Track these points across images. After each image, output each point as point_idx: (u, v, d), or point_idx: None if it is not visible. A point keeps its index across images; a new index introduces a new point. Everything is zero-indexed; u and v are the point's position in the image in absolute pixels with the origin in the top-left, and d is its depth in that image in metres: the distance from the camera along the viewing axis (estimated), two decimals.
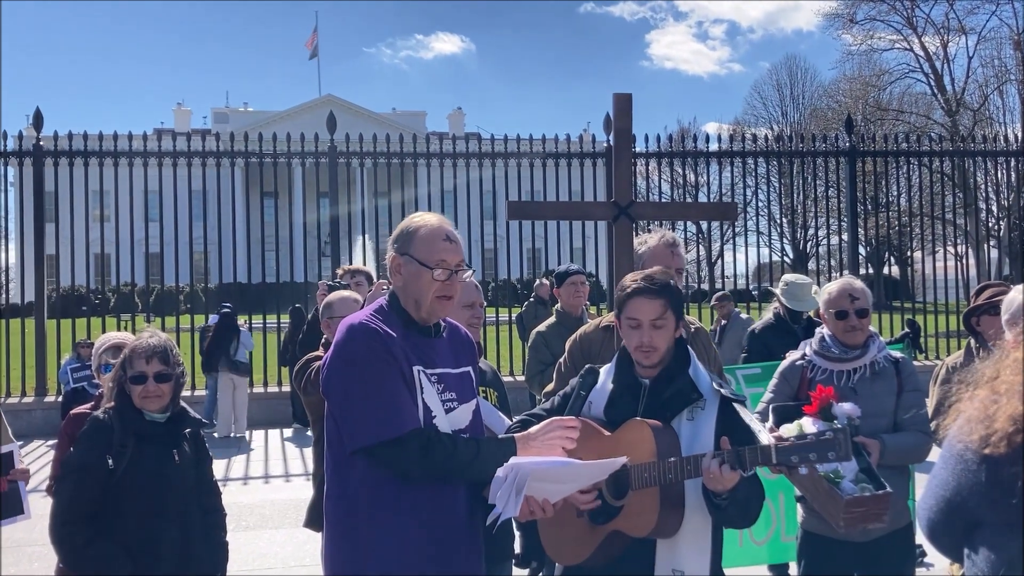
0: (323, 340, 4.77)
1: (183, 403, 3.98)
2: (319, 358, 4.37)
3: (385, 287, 4.28)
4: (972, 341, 4.87)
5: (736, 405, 3.15)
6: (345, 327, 3.00)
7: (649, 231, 4.86)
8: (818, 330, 4.43)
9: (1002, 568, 1.80)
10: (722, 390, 3.17)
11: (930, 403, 4.70)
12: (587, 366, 3.26)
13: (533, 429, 3.02)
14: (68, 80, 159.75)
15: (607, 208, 4.82)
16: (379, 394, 2.86)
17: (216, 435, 13.85)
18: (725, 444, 2.86)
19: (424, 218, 3.14)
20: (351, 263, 17.49)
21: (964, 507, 1.88)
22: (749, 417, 3.26)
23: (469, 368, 3.19)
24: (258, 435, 14.07)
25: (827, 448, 2.75)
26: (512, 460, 2.85)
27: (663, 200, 28.88)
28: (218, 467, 11.58)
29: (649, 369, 3.19)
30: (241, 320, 15.26)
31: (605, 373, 3.33)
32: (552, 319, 6.67)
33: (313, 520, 4.54)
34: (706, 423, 3.09)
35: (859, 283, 4.37)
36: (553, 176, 15.61)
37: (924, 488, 2.02)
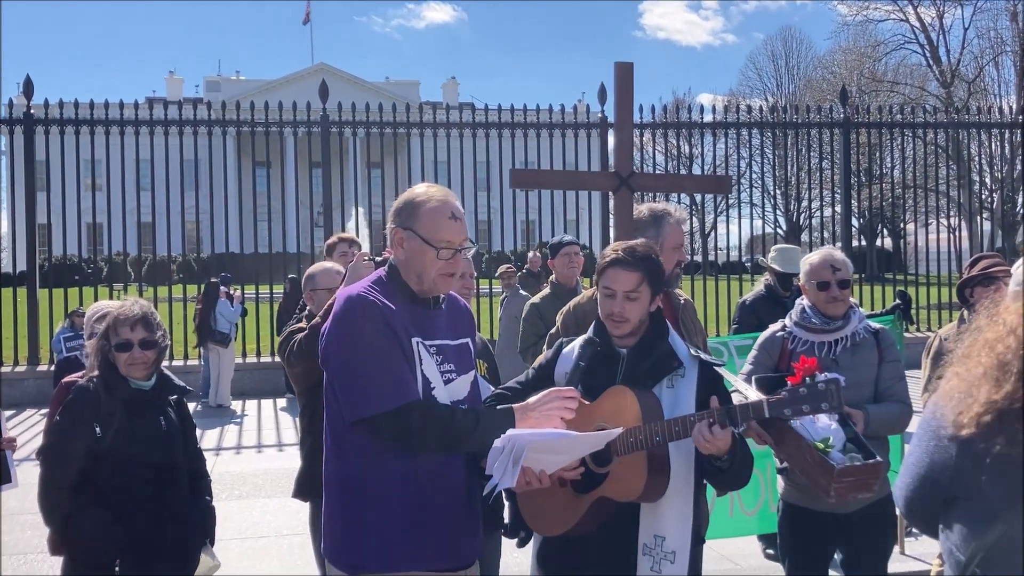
0: (305, 311, 4.74)
1: (166, 371, 3.98)
2: (302, 330, 4.36)
3: (366, 258, 4.26)
4: (965, 312, 4.88)
5: (719, 369, 3.19)
6: (343, 298, 2.99)
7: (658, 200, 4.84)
8: (798, 301, 4.42)
9: (974, 542, 1.82)
10: (700, 355, 3.19)
11: (922, 375, 4.72)
12: (587, 336, 3.25)
13: (531, 400, 3.02)
14: (59, 48, 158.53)
15: (608, 178, 4.81)
16: (378, 366, 2.86)
17: (211, 405, 13.91)
18: (714, 403, 2.88)
19: (429, 192, 3.07)
20: (344, 231, 17.46)
21: (938, 484, 1.90)
22: (734, 379, 3.28)
23: (468, 339, 3.19)
24: (251, 405, 14.10)
25: (820, 399, 2.75)
26: (509, 431, 2.86)
27: (657, 171, 28.85)
28: (211, 436, 11.63)
29: (626, 339, 3.21)
30: (234, 290, 15.25)
31: (581, 344, 3.34)
32: (546, 290, 6.66)
33: (301, 491, 4.54)
34: (687, 389, 3.12)
35: (840, 254, 4.37)
36: (547, 147, 15.56)
37: (901, 467, 2.03)
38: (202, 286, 14.68)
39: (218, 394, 14.05)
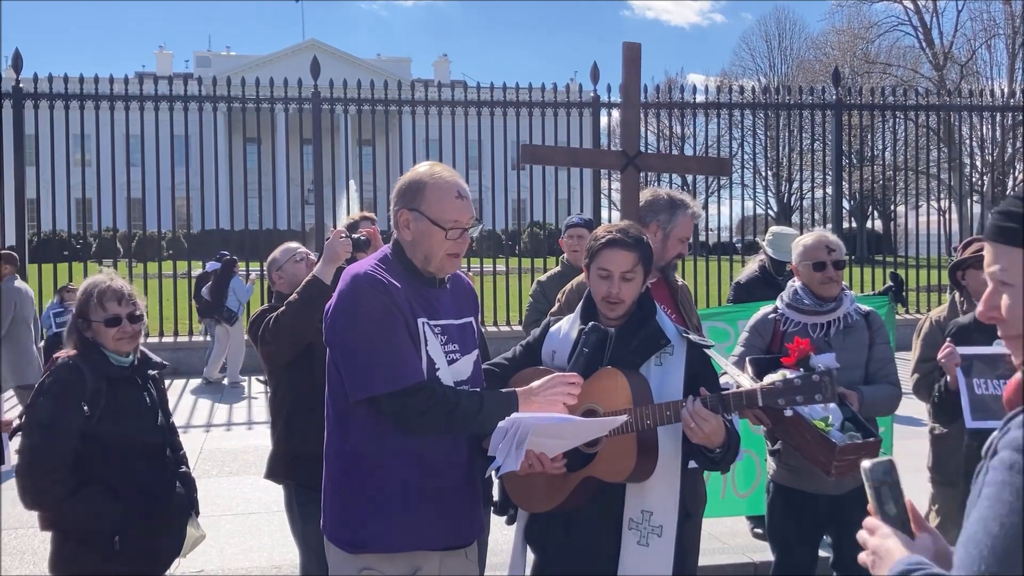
0: (276, 293, 4.69)
1: (142, 347, 3.96)
2: (274, 309, 4.31)
3: (343, 235, 4.23)
4: (957, 295, 4.89)
5: (710, 352, 3.20)
6: (349, 277, 2.97)
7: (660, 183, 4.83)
8: (790, 283, 4.43)
9: None
10: (689, 335, 3.20)
11: (912, 356, 4.74)
12: (592, 323, 3.24)
13: (535, 384, 3.01)
14: (48, 22, 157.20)
15: (616, 157, 4.82)
16: (383, 345, 2.85)
17: (226, 382, 13.93)
18: (704, 392, 2.88)
19: (434, 171, 3.04)
20: (335, 211, 17.39)
21: None
22: (725, 362, 3.29)
23: (471, 319, 3.19)
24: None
25: (814, 390, 2.76)
26: (514, 414, 2.85)
27: (649, 151, 28.73)
28: (201, 413, 11.63)
29: (614, 319, 3.22)
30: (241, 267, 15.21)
31: (569, 323, 3.35)
32: (556, 269, 6.68)
33: (274, 472, 4.52)
34: (675, 368, 3.14)
35: (833, 236, 4.40)
36: (540, 125, 15.50)
37: (965, 539, 1.49)
38: (207, 263, 14.62)
39: (227, 372, 14.03)
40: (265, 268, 4.85)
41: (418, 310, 2.93)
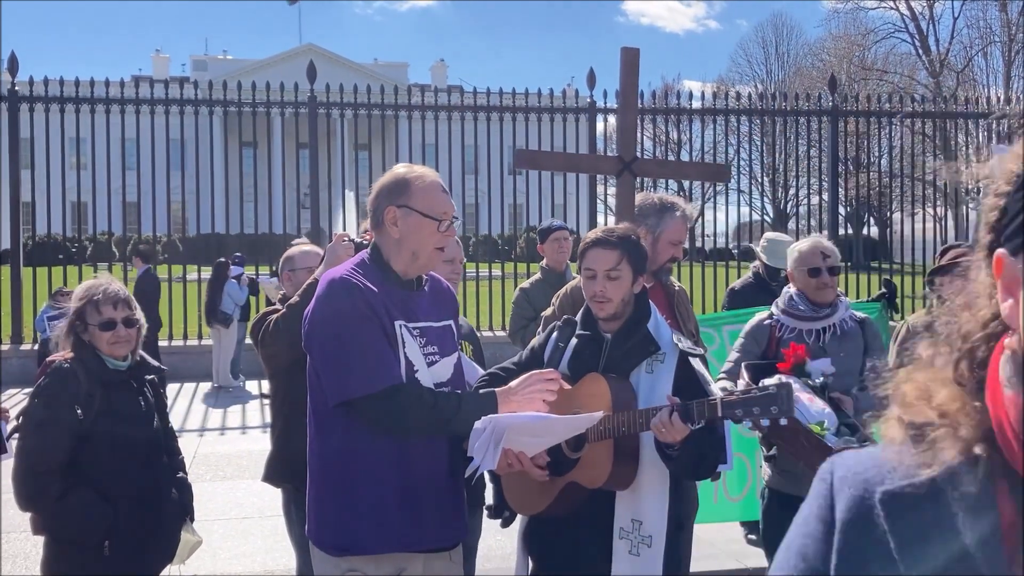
0: (281, 295, 4.69)
1: (141, 351, 3.94)
2: (277, 311, 4.31)
3: (345, 239, 4.23)
4: (934, 300, 4.89)
5: (692, 359, 3.19)
6: (326, 281, 3.00)
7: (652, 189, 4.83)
8: (785, 289, 4.44)
9: None
10: (680, 344, 3.20)
11: (890, 361, 4.75)
12: (565, 317, 3.28)
13: (514, 383, 3.03)
14: (44, 25, 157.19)
15: (612, 162, 4.82)
16: (360, 349, 2.87)
17: (221, 385, 13.94)
18: (672, 400, 2.89)
19: (415, 169, 3.13)
20: (330, 215, 17.38)
21: None
22: (703, 371, 3.29)
23: (451, 321, 3.21)
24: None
25: (769, 403, 2.75)
26: (490, 414, 2.86)
27: (646, 157, 28.77)
28: (195, 417, 11.60)
29: (610, 323, 3.24)
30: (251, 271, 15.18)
31: (559, 327, 3.36)
32: (537, 275, 6.64)
33: (272, 475, 4.51)
34: (665, 376, 3.14)
35: (828, 242, 4.42)
36: (536, 131, 15.51)
37: None
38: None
39: (219, 375, 14.03)
40: (279, 264, 4.81)
41: (395, 312, 2.96)
